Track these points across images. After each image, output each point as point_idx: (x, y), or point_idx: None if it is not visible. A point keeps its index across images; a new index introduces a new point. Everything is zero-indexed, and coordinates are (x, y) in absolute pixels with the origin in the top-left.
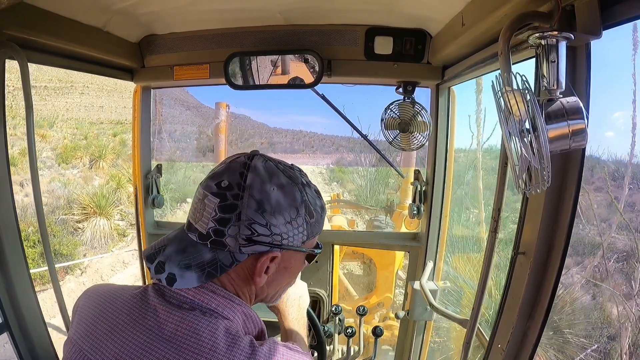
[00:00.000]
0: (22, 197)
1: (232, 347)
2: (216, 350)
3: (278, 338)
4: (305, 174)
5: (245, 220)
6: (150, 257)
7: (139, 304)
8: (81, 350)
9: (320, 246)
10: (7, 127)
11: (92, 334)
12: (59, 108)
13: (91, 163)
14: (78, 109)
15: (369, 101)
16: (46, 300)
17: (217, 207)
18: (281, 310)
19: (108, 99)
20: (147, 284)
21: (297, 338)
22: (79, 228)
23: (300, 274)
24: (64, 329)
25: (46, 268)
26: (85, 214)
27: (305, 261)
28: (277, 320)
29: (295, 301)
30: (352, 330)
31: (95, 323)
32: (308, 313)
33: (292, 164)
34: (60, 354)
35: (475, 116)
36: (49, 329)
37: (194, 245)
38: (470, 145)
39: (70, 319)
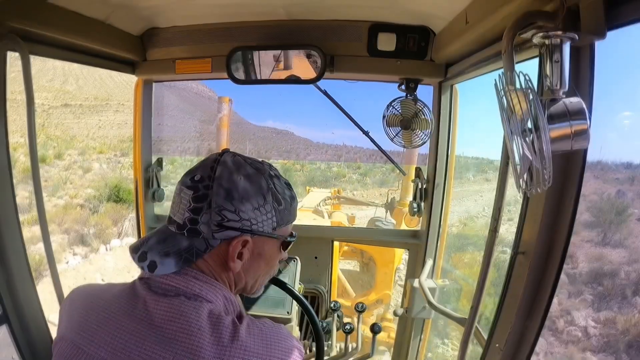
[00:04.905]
0: None
1: (216, 327)
2: (203, 330)
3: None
4: (276, 168)
5: (216, 207)
6: (135, 249)
7: (128, 296)
8: (75, 343)
9: (294, 235)
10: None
11: (84, 328)
12: (90, 126)
13: None
14: (110, 126)
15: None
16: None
17: (191, 198)
18: None
19: None
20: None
21: None
22: None
23: None
24: None
25: None
26: None
27: (281, 249)
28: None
29: None
30: (351, 327)
31: (86, 317)
32: (306, 308)
33: (262, 160)
34: None
35: None
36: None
37: (173, 235)
38: None
39: (58, 321)
